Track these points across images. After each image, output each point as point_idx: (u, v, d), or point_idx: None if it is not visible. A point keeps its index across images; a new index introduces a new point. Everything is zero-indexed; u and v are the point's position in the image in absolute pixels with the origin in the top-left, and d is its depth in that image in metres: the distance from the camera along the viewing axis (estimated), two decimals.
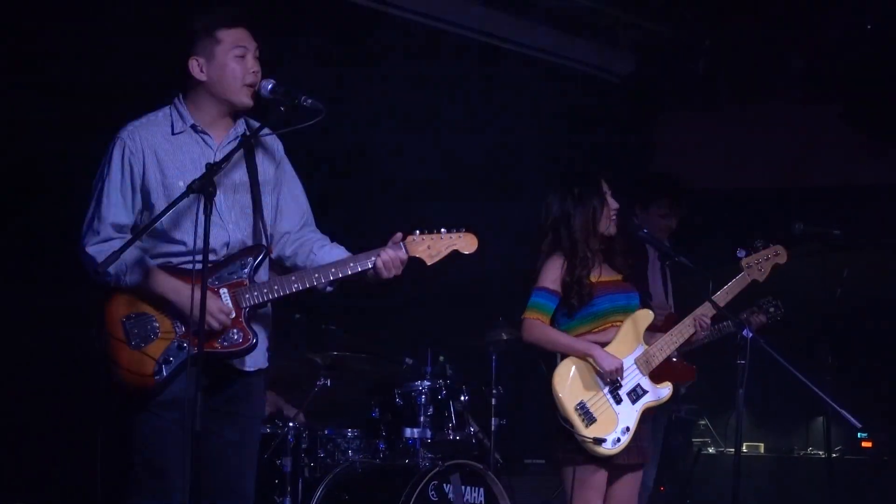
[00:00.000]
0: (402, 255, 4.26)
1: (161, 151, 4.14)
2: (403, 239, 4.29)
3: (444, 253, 4.36)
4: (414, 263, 4.32)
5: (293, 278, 4.19)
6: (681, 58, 8.47)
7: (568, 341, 5.21)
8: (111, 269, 3.95)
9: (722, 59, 8.39)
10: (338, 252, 4.33)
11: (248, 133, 4.28)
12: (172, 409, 3.98)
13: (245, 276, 4.16)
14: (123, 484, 4.11)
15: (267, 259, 4.27)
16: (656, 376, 5.27)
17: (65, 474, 5.75)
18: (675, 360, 5.48)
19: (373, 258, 4.21)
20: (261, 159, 4.28)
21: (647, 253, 6.47)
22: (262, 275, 4.26)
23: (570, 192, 5.29)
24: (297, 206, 4.39)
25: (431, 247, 4.34)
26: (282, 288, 4.18)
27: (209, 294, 3.97)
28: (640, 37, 8.57)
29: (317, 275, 4.18)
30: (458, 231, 4.39)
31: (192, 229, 4.02)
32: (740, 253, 5.41)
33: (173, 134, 4.18)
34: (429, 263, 4.35)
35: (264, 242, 4.24)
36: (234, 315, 4.09)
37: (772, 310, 6.19)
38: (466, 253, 4.39)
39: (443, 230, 4.37)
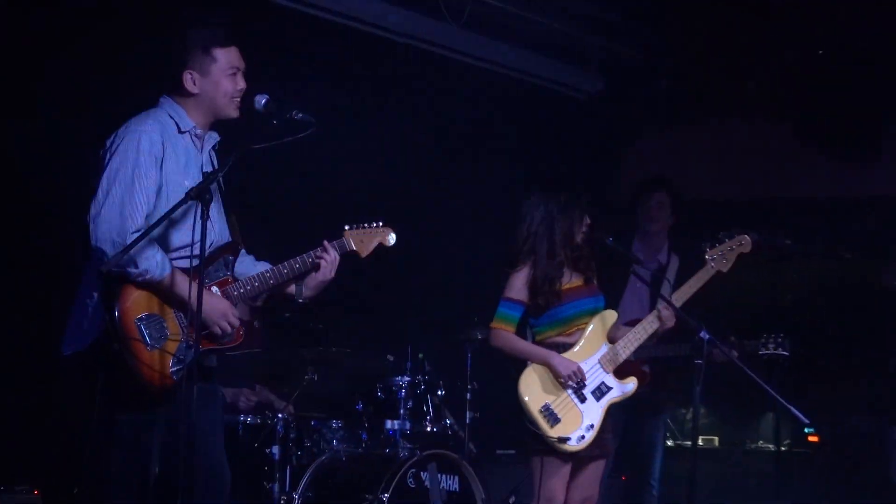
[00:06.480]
0: (336, 256, 4.42)
1: (172, 148, 4.16)
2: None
3: (373, 247, 4.53)
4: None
5: (267, 273, 4.34)
6: (646, 78, 8.62)
7: (528, 349, 5.35)
8: (147, 266, 3.98)
9: (684, 79, 8.57)
10: (264, 264, 4.48)
11: (218, 142, 4.36)
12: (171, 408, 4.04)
13: (229, 274, 4.30)
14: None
15: (240, 255, 4.41)
16: (621, 373, 5.40)
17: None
18: (631, 360, 5.51)
19: (315, 255, 4.39)
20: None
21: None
22: (239, 269, 4.41)
23: (556, 199, 5.34)
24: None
25: (364, 240, 4.51)
26: (261, 283, 4.33)
27: (221, 299, 4.17)
28: (608, 58, 8.63)
29: (286, 270, 4.35)
30: (378, 224, 4.55)
31: (187, 231, 4.01)
32: (705, 244, 5.39)
33: (179, 132, 4.23)
34: (363, 255, 4.53)
35: (234, 239, 4.35)
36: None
37: (771, 345, 6.11)
38: (390, 245, 4.56)
39: (366, 224, 4.53)
